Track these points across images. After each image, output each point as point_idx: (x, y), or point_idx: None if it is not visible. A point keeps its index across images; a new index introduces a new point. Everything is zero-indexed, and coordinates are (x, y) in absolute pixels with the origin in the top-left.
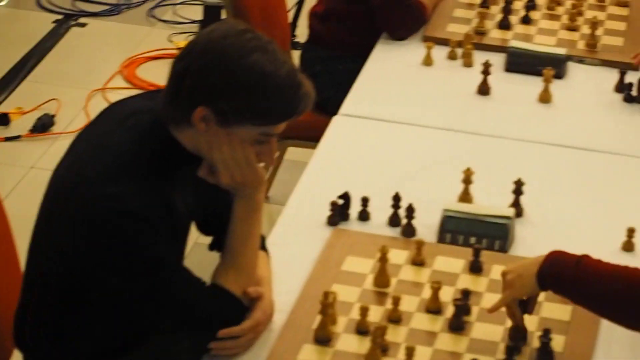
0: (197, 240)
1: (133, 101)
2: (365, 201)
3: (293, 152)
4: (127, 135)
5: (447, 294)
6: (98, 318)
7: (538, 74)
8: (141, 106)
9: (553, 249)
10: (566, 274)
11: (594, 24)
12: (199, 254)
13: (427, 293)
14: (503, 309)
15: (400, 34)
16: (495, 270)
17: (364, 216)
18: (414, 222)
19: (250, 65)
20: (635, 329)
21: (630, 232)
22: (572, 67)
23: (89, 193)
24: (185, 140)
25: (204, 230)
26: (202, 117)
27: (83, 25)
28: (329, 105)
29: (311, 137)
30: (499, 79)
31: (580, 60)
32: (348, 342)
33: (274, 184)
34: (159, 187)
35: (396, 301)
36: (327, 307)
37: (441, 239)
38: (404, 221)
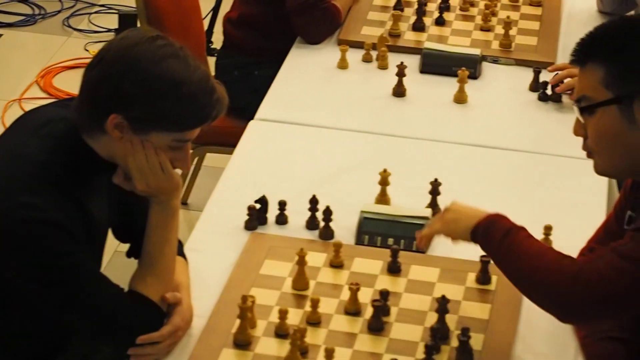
0: (117, 249)
1: (46, 110)
2: (282, 205)
3: (212, 158)
4: (41, 144)
5: (365, 296)
6: (18, 326)
7: (453, 74)
8: (55, 115)
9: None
10: (494, 239)
11: (508, 23)
12: (119, 262)
13: (345, 295)
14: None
15: (315, 38)
16: (414, 271)
17: (281, 220)
18: (332, 224)
19: (163, 72)
20: (540, 306)
21: (547, 229)
22: (487, 67)
23: (4, 203)
24: (99, 147)
25: (120, 237)
26: (116, 124)
27: None
28: (247, 110)
29: (229, 142)
30: (414, 80)
31: (495, 60)
32: (267, 345)
33: (193, 190)
34: (74, 195)
35: (315, 303)
36: (246, 310)
37: (359, 241)
38: (322, 224)
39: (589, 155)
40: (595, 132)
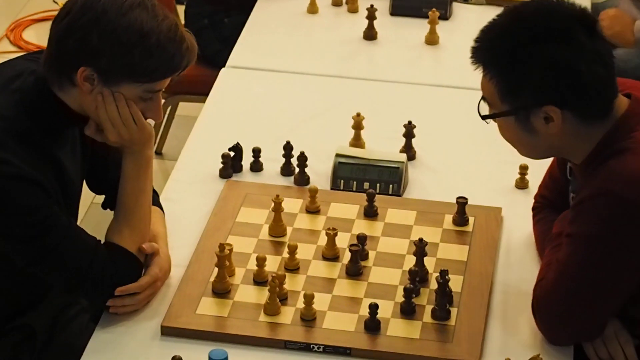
0: (93, 201)
1: (16, 63)
2: (256, 152)
3: (185, 107)
4: (11, 99)
5: (343, 241)
6: None
7: (424, 16)
8: (24, 68)
9: (446, 190)
10: None
11: None
12: (96, 214)
13: (323, 240)
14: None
15: None
16: (390, 215)
17: (256, 167)
18: (307, 170)
19: (130, 22)
20: None
21: (523, 169)
22: (458, 8)
23: None
24: (70, 100)
25: (95, 189)
26: (85, 77)
27: None
28: (218, 58)
29: (202, 91)
30: (385, 23)
31: (465, 0)
32: (246, 292)
33: (167, 139)
34: (45, 149)
35: (292, 250)
36: (224, 259)
37: (334, 186)
38: (297, 170)
39: None
40: (502, 133)
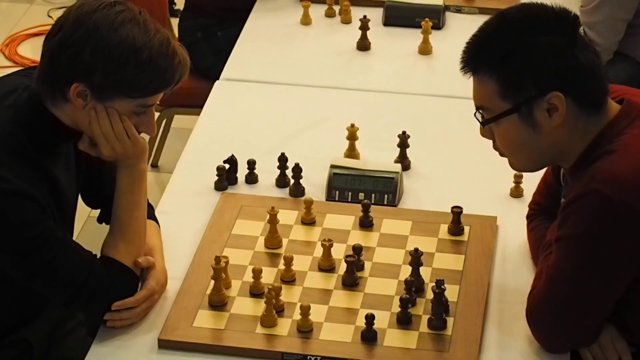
0: (90, 214)
1: (10, 79)
2: (251, 164)
3: (180, 120)
4: (5, 115)
5: (339, 251)
6: None
7: (417, 26)
8: (18, 84)
9: (441, 199)
10: None
11: None
12: (92, 228)
13: (318, 251)
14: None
15: None
16: (386, 225)
17: (251, 179)
18: (302, 181)
19: (122, 38)
20: None
21: (518, 177)
22: (450, 17)
23: None
24: (63, 115)
25: (90, 203)
26: (78, 93)
27: None
28: (212, 71)
29: (196, 104)
30: (378, 33)
31: (458, 10)
32: (243, 305)
33: (163, 152)
34: (40, 164)
35: (288, 261)
36: (220, 271)
37: (330, 197)
38: (292, 181)
39: (502, 155)
40: (501, 140)
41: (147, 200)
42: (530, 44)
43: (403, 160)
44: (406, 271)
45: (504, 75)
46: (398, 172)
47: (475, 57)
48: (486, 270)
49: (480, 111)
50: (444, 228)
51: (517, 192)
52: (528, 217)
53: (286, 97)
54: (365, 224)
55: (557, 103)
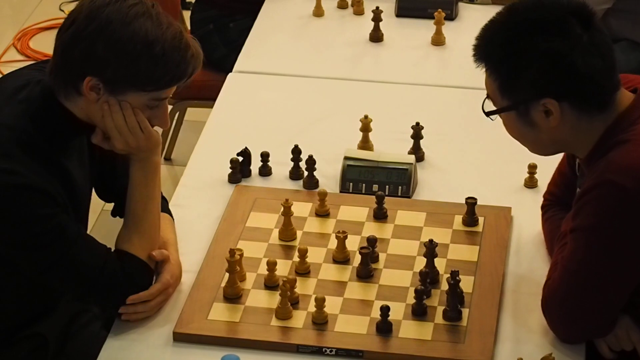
0: (104, 208)
1: (22, 73)
2: (265, 156)
3: (193, 113)
4: (18, 109)
5: (353, 243)
6: (4, 290)
7: (429, 16)
8: (30, 78)
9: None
10: None
11: None
12: (106, 221)
13: (333, 243)
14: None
15: None
16: (400, 216)
17: (265, 171)
18: (316, 173)
19: (135, 32)
20: None
21: (532, 168)
22: (463, 8)
23: None
24: (76, 109)
25: (104, 196)
26: (91, 86)
27: None
28: (224, 63)
29: (209, 96)
30: (391, 24)
31: (471, 1)
32: (258, 297)
33: (176, 145)
34: (53, 158)
35: (303, 254)
36: (235, 264)
37: (343, 188)
38: (306, 173)
39: None
40: (507, 131)
41: (161, 193)
42: (530, 49)
43: (417, 151)
44: (421, 262)
45: (503, 74)
46: (412, 164)
47: (483, 50)
48: (501, 261)
49: (488, 99)
50: (458, 219)
51: (531, 183)
52: (543, 207)
53: (299, 89)
54: (380, 215)
55: (551, 108)
